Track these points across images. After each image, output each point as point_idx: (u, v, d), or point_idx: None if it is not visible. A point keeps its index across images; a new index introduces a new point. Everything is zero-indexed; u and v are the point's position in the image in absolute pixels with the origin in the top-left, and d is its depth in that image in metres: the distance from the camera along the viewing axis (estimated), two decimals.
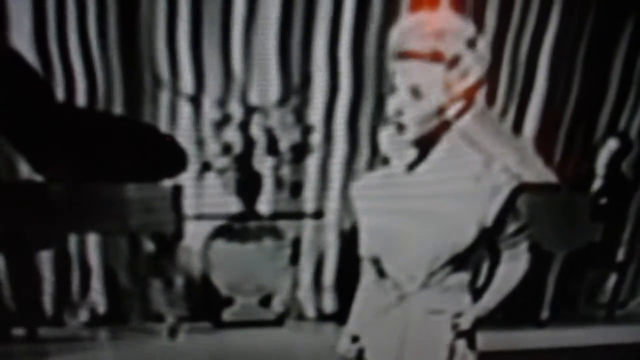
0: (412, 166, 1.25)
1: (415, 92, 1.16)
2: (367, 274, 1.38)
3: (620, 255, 2.62)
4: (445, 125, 1.20)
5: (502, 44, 2.20)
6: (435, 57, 1.14)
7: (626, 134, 2.41)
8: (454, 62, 1.15)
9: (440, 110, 1.17)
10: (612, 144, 2.40)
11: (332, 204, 2.18)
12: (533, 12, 2.17)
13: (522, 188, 2.29)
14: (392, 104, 1.19)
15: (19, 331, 2.19)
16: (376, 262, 1.30)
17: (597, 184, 2.44)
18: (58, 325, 2.25)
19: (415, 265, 1.29)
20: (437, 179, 1.24)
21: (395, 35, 1.20)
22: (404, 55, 1.17)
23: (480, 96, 2.24)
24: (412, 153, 1.24)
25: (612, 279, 2.66)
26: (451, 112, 1.20)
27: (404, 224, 1.24)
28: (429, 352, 1.31)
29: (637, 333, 2.55)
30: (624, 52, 2.29)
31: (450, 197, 1.26)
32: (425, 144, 1.21)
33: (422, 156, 1.24)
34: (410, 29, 1.18)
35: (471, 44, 1.19)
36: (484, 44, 2.04)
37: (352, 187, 1.33)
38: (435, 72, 1.16)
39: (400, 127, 1.17)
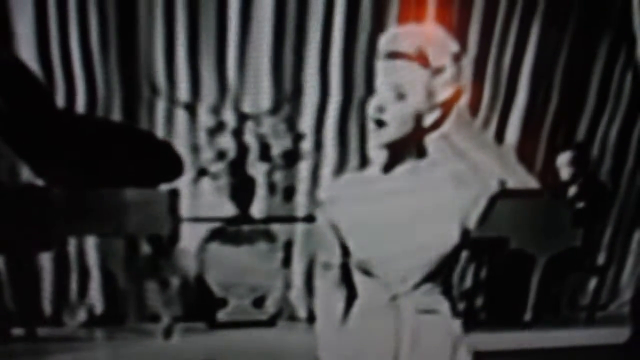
0: (387, 169, 1.31)
1: (398, 91, 1.22)
2: (326, 278, 1.41)
3: (601, 259, 2.67)
4: (423, 131, 1.27)
5: (485, 57, 2.28)
6: (421, 60, 1.21)
7: (604, 142, 2.48)
8: (437, 71, 1.23)
9: (420, 115, 1.24)
10: (589, 152, 2.46)
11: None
12: (514, 27, 2.26)
13: (502, 193, 2.35)
14: (374, 101, 1.25)
15: (18, 331, 2.22)
16: (363, 264, 1.35)
17: (576, 190, 2.50)
18: (57, 325, 2.29)
19: (407, 268, 1.34)
20: (419, 182, 1.31)
21: (383, 39, 1.26)
22: (390, 55, 1.23)
23: (464, 107, 2.32)
24: (387, 155, 1.30)
25: (593, 282, 2.70)
26: (430, 119, 1.27)
27: (389, 227, 1.31)
28: (427, 352, 1.37)
29: (617, 334, 2.59)
30: (601, 66, 2.37)
31: (432, 200, 1.33)
32: (401, 147, 1.28)
33: (397, 159, 1.30)
34: (399, 33, 1.25)
35: (456, 58, 1.27)
36: (467, 60, 2.12)
37: (327, 191, 1.37)
38: (419, 74, 1.23)
39: (380, 124, 1.23)
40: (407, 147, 1.28)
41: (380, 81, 1.22)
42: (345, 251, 1.37)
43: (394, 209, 1.31)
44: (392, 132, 1.24)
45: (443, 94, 1.25)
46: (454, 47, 1.24)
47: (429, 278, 1.33)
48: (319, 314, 1.42)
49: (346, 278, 1.38)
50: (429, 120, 1.27)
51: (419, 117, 1.25)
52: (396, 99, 1.21)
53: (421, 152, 1.30)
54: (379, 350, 1.33)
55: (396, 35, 1.23)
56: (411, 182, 1.31)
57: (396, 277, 1.32)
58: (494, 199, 1.33)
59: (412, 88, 1.22)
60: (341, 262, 1.38)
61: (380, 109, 1.22)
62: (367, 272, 1.34)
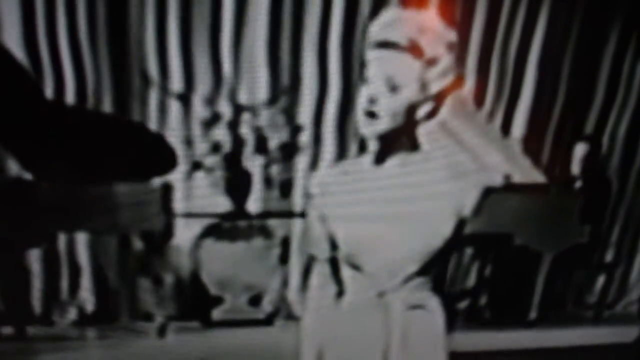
0: (378, 160, 1.25)
1: (391, 83, 1.16)
2: (320, 273, 1.36)
3: (609, 256, 2.64)
4: (416, 123, 1.21)
5: (491, 47, 2.23)
6: (415, 51, 1.15)
7: (612, 136, 2.43)
8: (431, 61, 1.16)
9: (413, 106, 1.18)
10: (596, 146, 2.42)
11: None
12: (521, 15, 2.20)
13: (507, 188, 2.32)
14: (365, 92, 1.19)
15: (7, 330, 2.19)
16: (351, 260, 1.30)
17: (583, 185, 2.46)
18: (47, 324, 2.25)
19: (397, 262, 1.29)
20: (411, 175, 1.25)
21: (376, 25, 1.20)
22: (382, 44, 1.17)
23: (469, 99, 2.26)
24: (379, 147, 1.24)
25: (600, 280, 2.67)
26: (423, 110, 1.21)
27: (382, 222, 1.24)
28: (416, 347, 1.32)
29: (624, 333, 2.57)
30: (610, 57, 2.32)
31: (425, 193, 1.27)
32: (393, 139, 1.22)
33: (389, 151, 1.24)
34: (393, 20, 1.19)
35: (451, 47, 1.20)
36: (471, 50, 2.05)
37: (317, 183, 1.31)
38: (412, 65, 1.17)
39: (372, 115, 1.17)
40: (399, 139, 1.22)
41: (372, 71, 1.16)
42: (334, 245, 1.31)
43: (384, 202, 1.25)
44: (384, 124, 1.18)
45: (437, 85, 1.19)
46: (449, 35, 1.18)
47: (419, 273, 1.27)
48: (307, 309, 1.37)
49: (335, 273, 1.32)
50: (422, 111, 1.20)
51: (411, 109, 1.19)
52: (389, 91, 1.15)
53: (414, 146, 1.25)
54: (369, 345, 1.28)
55: (388, 23, 1.17)
56: (403, 175, 1.25)
57: (385, 272, 1.26)
58: (488, 190, 1.28)
59: (406, 80, 1.16)
60: (330, 256, 1.32)
61: (372, 101, 1.16)
62: (355, 267, 1.28)
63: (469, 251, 2.48)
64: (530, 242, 2.41)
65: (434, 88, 1.21)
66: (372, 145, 1.21)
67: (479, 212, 1.28)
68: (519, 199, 2.32)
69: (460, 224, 1.26)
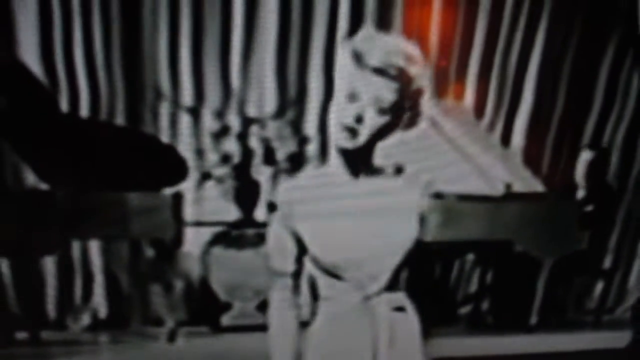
0: (351, 172, 1.31)
1: (379, 106, 1.23)
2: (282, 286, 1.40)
3: (608, 262, 2.66)
4: (378, 141, 1.28)
5: (491, 58, 2.27)
6: (404, 80, 1.22)
7: (609, 145, 2.46)
8: (418, 91, 1.24)
9: (390, 128, 1.25)
10: (595, 154, 2.45)
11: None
12: (520, 28, 2.24)
13: (508, 196, 2.35)
14: (352, 109, 1.25)
15: (22, 335, 2.22)
16: (331, 268, 1.34)
17: (582, 193, 2.49)
18: (60, 329, 2.29)
19: (376, 267, 1.34)
20: (375, 185, 1.31)
21: (367, 49, 1.26)
22: (378, 70, 1.23)
23: (470, 109, 2.30)
24: (349, 158, 1.30)
25: (600, 286, 2.69)
26: (391, 131, 1.29)
27: (352, 229, 1.30)
28: (403, 348, 1.36)
29: (624, 338, 2.58)
30: (608, 67, 2.35)
31: (390, 199, 1.33)
32: (363, 153, 1.28)
33: (352, 164, 1.30)
34: (383, 47, 1.25)
35: (430, 80, 1.29)
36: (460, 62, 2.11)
37: (287, 190, 1.35)
38: (399, 92, 1.24)
39: (354, 133, 1.23)
40: (363, 153, 1.28)
41: (363, 93, 1.22)
42: (300, 257, 1.35)
43: (355, 212, 1.31)
44: (358, 141, 1.24)
45: (413, 112, 1.26)
46: (427, 68, 1.26)
47: (395, 275, 1.33)
48: (273, 322, 1.40)
49: (307, 284, 1.36)
50: (389, 132, 1.27)
51: (384, 131, 1.26)
52: (377, 114, 1.21)
53: (376, 161, 1.31)
54: (358, 350, 1.32)
55: (381, 48, 1.23)
56: (368, 186, 1.31)
57: (366, 277, 1.31)
58: (435, 194, 1.34)
59: (393, 105, 1.22)
60: (295, 269, 1.36)
61: (359, 120, 1.23)
62: (335, 276, 1.33)
63: (470, 258, 2.51)
64: (530, 249, 2.44)
65: (410, 114, 1.29)
66: (342, 156, 1.27)
67: (432, 211, 1.35)
68: (519, 207, 2.35)
69: (421, 222, 1.32)
